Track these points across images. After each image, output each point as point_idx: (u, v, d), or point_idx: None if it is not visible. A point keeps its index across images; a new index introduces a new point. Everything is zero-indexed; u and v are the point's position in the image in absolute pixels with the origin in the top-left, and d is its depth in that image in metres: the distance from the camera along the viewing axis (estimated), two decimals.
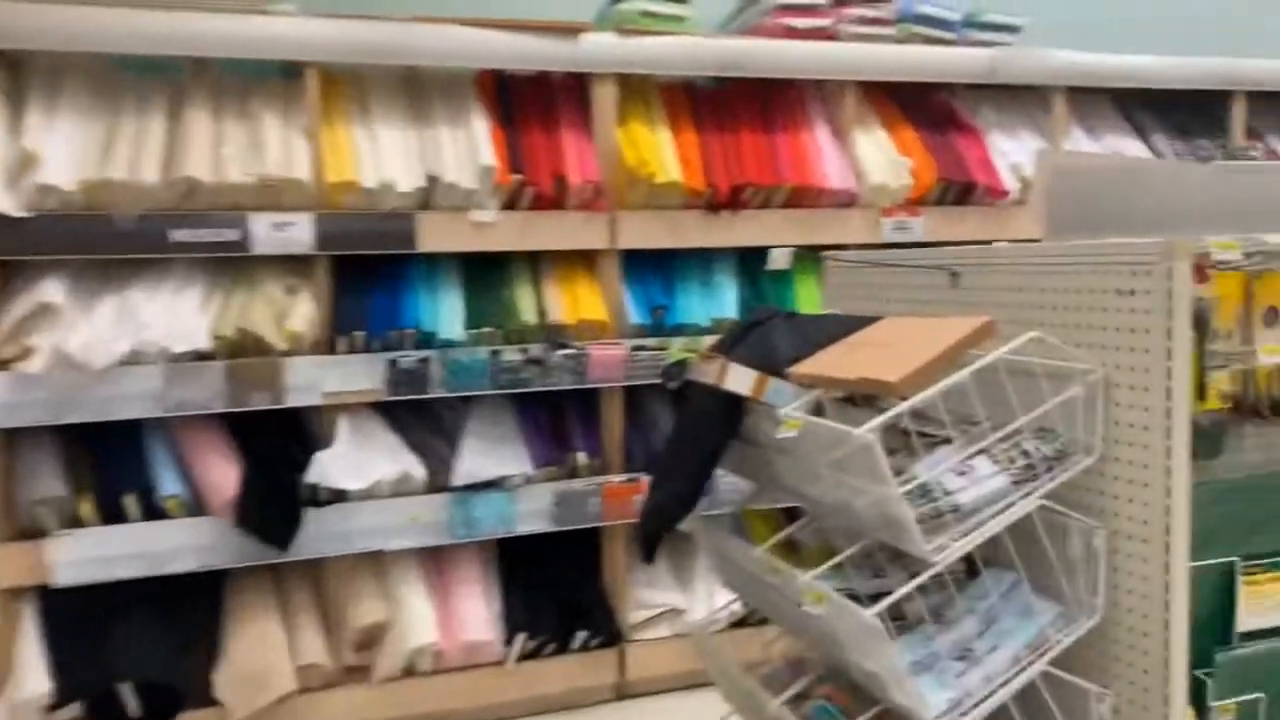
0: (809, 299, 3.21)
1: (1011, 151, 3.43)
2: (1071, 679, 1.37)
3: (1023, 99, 3.56)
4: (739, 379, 1.48)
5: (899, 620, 1.40)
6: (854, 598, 1.34)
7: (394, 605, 2.90)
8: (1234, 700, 1.57)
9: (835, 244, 3.01)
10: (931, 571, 1.25)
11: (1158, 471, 1.28)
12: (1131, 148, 3.58)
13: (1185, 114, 3.71)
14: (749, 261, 3.22)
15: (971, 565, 1.47)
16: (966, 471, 1.29)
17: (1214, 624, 1.58)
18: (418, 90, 3.04)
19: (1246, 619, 1.59)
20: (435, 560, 3.02)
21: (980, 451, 1.32)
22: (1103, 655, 1.40)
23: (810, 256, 2.92)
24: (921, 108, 3.44)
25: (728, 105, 3.23)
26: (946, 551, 1.24)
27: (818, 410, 1.43)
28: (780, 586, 1.45)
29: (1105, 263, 1.34)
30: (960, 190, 3.31)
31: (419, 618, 2.88)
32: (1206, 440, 1.52)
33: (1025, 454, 1.33)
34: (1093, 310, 1.38)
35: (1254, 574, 1.61)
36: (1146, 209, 1.64)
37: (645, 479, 3.02)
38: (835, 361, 1.46)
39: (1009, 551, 1.38)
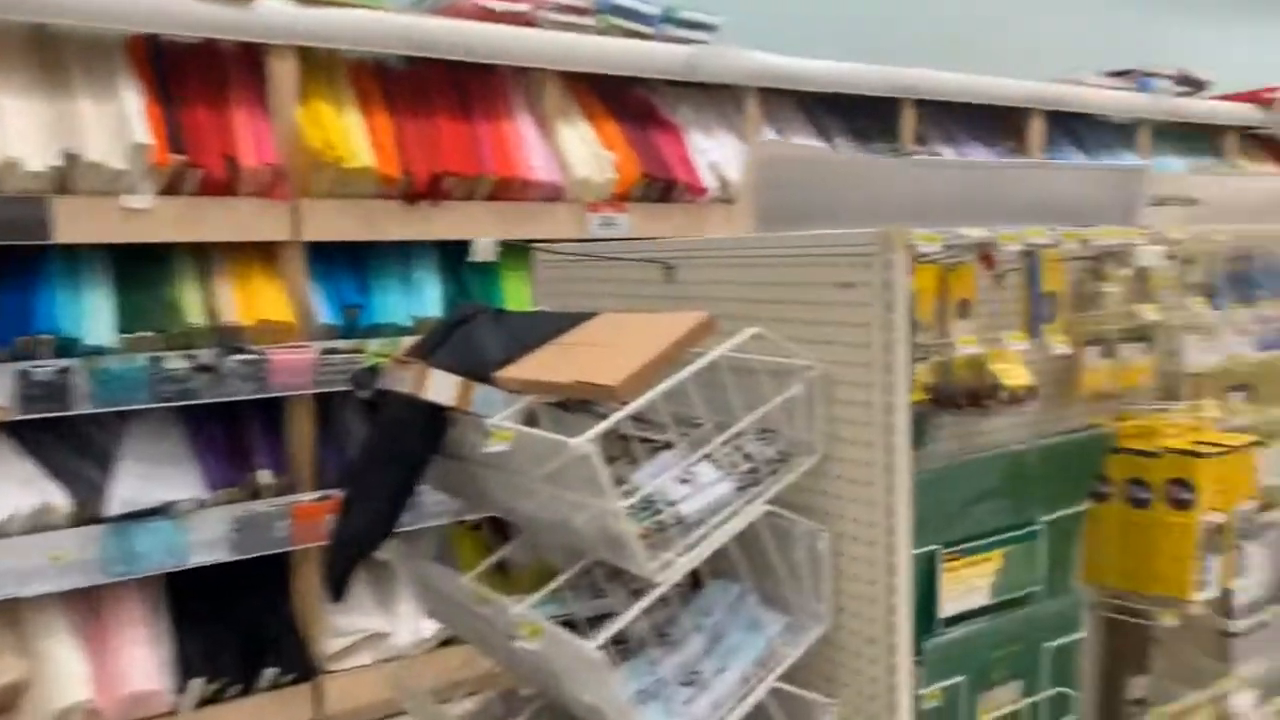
0: (517, 296, 3.07)
1: (709, 150, 3.46)
2: (799, 693, 1.31)
3: (717, 98, 3.61)
4: (441, 386, 1.30)
5: (621, 644, 1.28)
6: (571, 624, 1.20)
7: (35, 661, 2.45)
8: (939, 686, 1.59)
9: (541, 239, 2.89)
10: (657, 593, 1.14)
11: (879, 469, 1.25)
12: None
13: (864, 119, 3.93)
14: (452, 256, 3.02)
15: (695, 576, 1.38)
16: (689, 479, 1.19)
17: (920, 613, 1.60)
18: (52, 54, 2.58)
19: (948, 604, 1.62)
20: (88, 604, 2.58)
21: (703, 457, 1.23)
22: (830, 663, 1.36)
23: (517, 251, 2.78)
24: (622, 102, 3.39)
25: (424, 89, 3.02)
26: (672, 569, 1.13)
27: (530, 418, 1.28)
28: (490, 618, 1.29)
29: (822, 255, 1.30)
30: (662, 187, 3.30)
31: (67, 672, 2.45)
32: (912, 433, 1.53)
33: (748, 457, 1.25)
34: (812, 304, 1.33)
35: (953, 560, 1.65)
36: (850, 202, 1.63)
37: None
38: (548, 364, 1.32)
39: (734, 561, 1.30)
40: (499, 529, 1.60)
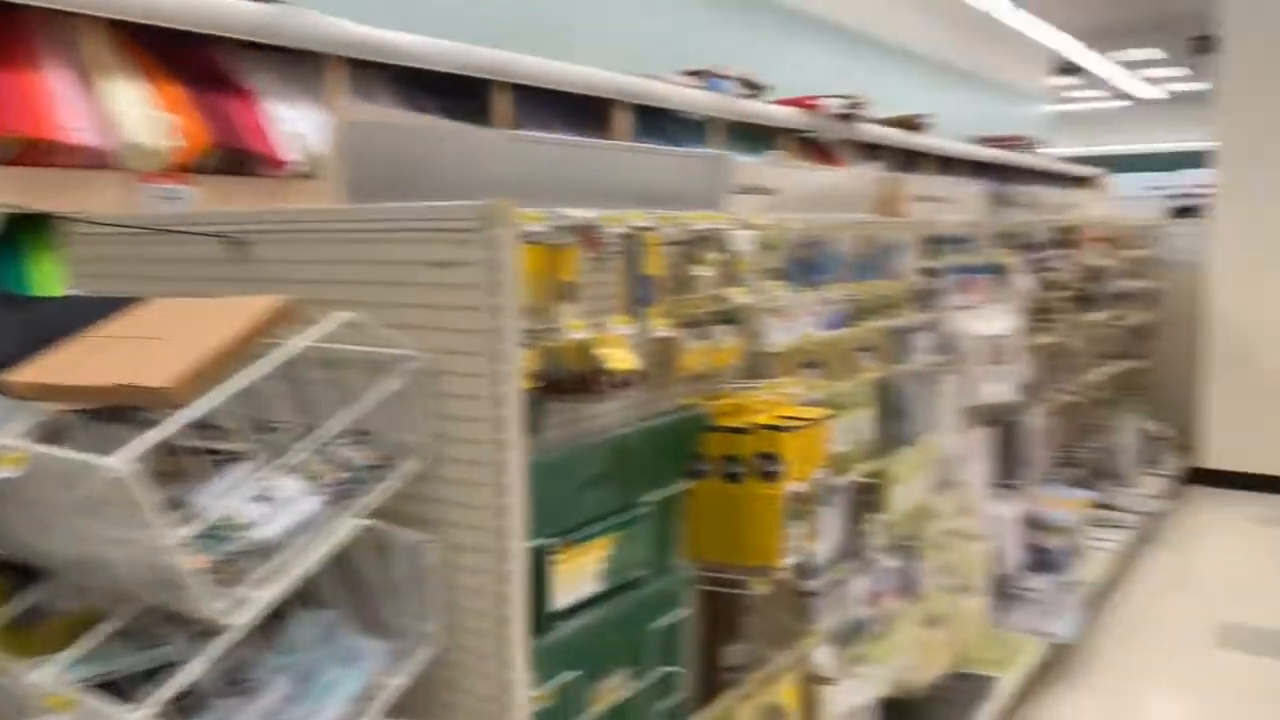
0: (49, 280, 2.58)
1: (290, 120, 3.16)
2: None
3: (298, 65, 3.31)
4: None
5: (184, 698, 1.06)
6: (115, 686, 0.96)
7: None
8: (553, 685, 1.53)
9: (82, 212, 2.44)
10: (227, 640, 0.94)
11: (490, 467, 1.13)
12: None
13: (456, 100, 3.82)
14: None
15: (278, 608, 1.19)
16: (268, 496, 1.00)
17: (532, 612, 1.52)
18: None
19: (560, 598, 1.57)
20: None
21: (286, 468, 1.04)
22: (446, 687, 1.22)
23: (50, 226, 2.33)
24: (186, 62, 2.98)
25: None
26: (246, 607, 0.94)
27: (54, 433, 1.01)
28: (4, 689, 1.01)
29: (421, 230, 1.15)
30: (237, 159, 2.95)
31: None
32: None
33: (341, 465, 1.08)
34: (411, 286, 1.18)
35: (563, 551, 1.60)
36: (445, 176, 1.50)
37: None
38: (79, 362, 1.06)
39: (326, 586, 1.12)
40: (25, 571, 1.28)
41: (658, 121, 4.69)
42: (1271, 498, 5.17)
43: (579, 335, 1.47)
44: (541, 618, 1.51)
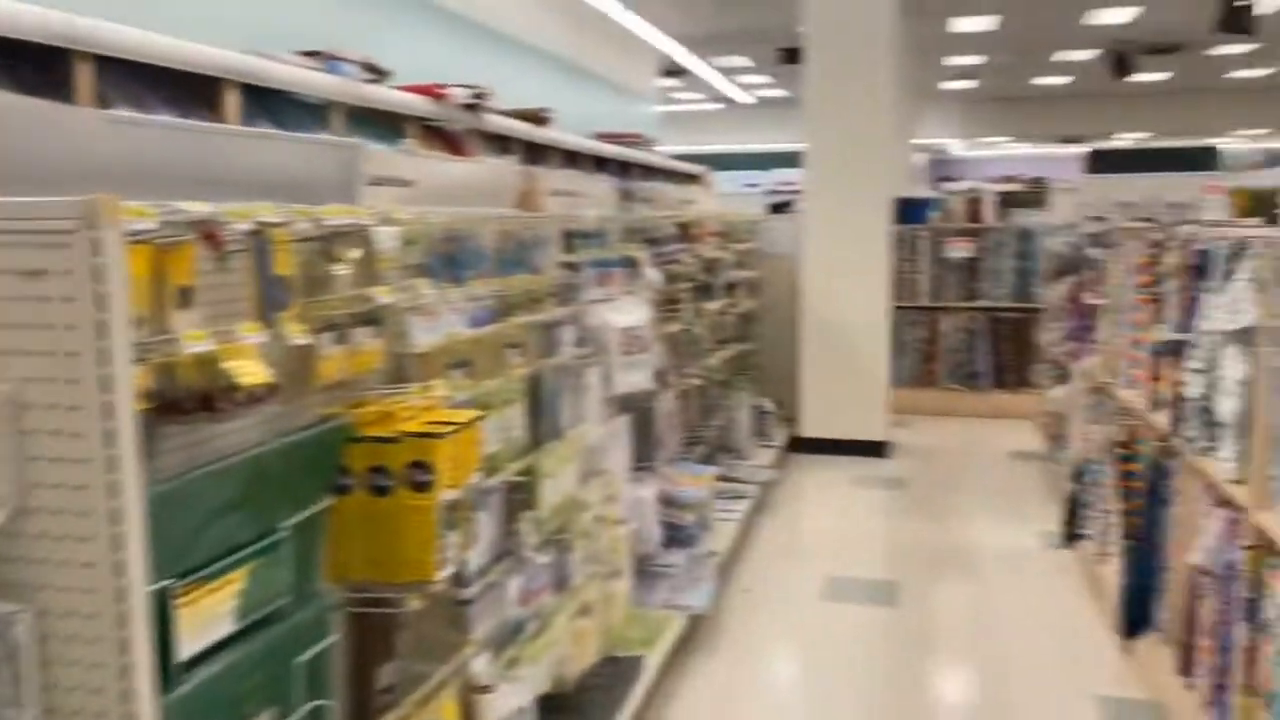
0: None
1: None
2: None
3: None
4: None
5: None
6: None
7: None
8: None
9: None
10: None
11: (101, 516, 0.94)
12: None
13: (28, 71, 3.28)
14: None
15: None
16: None
17: (157, 667, 1.32)
18: None
19: (186, 645, 1.38)
20: None
21: None
22: None
23: None
24: None
25: None
26: None
27: None
28: None
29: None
30: None
31: None
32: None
33: None
34: None
35: (188, 592, 1.40)
36: (17, 162, 1.25)
37: None
38: None
39: None
40: None
41: (271, 104, 4.36)
42: (856, 460, 5.88)
43: (199, 347, 1.29)
44: (167, 671, 1.32)
